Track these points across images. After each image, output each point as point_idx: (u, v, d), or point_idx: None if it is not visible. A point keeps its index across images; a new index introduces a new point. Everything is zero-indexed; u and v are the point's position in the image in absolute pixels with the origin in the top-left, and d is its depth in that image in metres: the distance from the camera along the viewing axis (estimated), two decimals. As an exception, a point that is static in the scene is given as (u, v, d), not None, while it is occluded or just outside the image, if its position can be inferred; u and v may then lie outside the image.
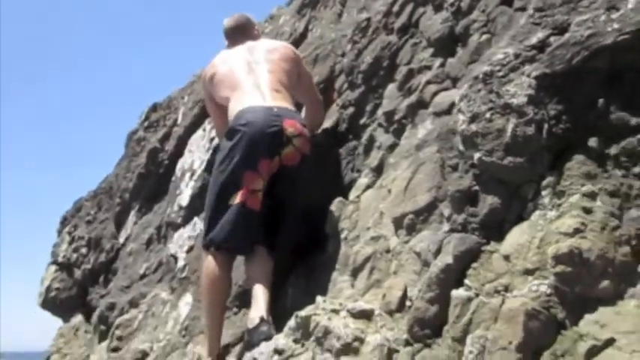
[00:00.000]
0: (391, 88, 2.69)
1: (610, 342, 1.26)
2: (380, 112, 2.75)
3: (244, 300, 2.85)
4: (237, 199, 2.37)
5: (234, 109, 2.58)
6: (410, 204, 1.95)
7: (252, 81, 2.65)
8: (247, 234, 2.41)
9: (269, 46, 2.90)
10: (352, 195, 2.69)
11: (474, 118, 1.65)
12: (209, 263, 2.42)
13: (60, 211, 5.74)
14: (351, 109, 2.93)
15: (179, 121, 4.44)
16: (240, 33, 3.00)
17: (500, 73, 1.63)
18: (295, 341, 1.81)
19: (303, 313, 1.82)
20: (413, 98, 2.47)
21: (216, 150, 3.15)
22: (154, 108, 4.95)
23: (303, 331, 1.79)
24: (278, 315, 2.65)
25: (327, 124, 3.07)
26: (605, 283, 1.34)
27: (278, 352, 1.79)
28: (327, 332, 1.68)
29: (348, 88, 2.98)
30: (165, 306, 3.27)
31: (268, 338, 2.01)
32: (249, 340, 2.23)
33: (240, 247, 2.46)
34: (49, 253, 5.49)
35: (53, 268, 5.30)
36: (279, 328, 2.54)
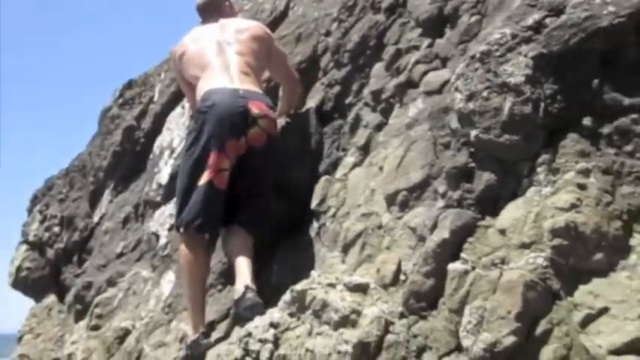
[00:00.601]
0: (378, 67, 2.70)
1: (603, 311, 1.33)
2: (366, 91, 2.76)
3: (229, 277, 2.85)
4: (204, 179, 2.41)
5: (201, 89, 2.62)
6: (403, 181, 1.98)
7: (221, 62, 2.67)
8: (215, 212, 2.45)
9: (240, 25, 2.89)
10: (339, 173, 2.71)
11: (471, 97, 1.69)
12: (184, 244, 2.47)
13: (30, 190, 5.59)
14: (336, 88, 2.93)
15: (156, 98, 4.36)
16: (212, 10, 2.98)
17: (498, 53, 1.67)
18: (291, 315, 1.83)
19: (298, 287, 1.84)
20: (402, 78, 2.49)
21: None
22: (129, 85, 4.83)
23: (299, 304, 1.81)
24: (263, 291, 2.68)
25: (312, 102, 3.07)
26: (599, 255, 1.41)
27: (274, 325, 1.81)
28: (324, 305, 1.71)
29: (334, 67, 2.97)
30: (146, 284, 3.24)
31: (256, 306, 2.07)
32: (236, 311, 2.24)
33: (209, 226, 2.49)
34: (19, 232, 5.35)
35: (24, 247, 5.17)
36: (265, 304, 2.58)
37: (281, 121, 2.89)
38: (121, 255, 3.87)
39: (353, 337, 1.59)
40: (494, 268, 1.50)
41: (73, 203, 4.96)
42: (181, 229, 2.45)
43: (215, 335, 2.72)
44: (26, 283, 5.17)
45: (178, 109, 3.96)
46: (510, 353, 1.40)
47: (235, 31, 2.81)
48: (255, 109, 2.48)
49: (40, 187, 5.40)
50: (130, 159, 4.39)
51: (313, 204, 2.74)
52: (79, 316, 4.01)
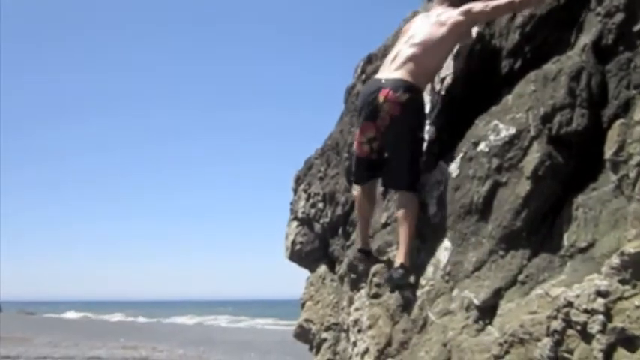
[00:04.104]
0: (678, -24, 2.23)
1: None
2: (661, 10, 2.32)
3: (510, 242, 2.69)
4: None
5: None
6: None
7: (395, 53, 3.33)
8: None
9: (442, 17, 3.27)
10: (637, 115, 2.32)
11: None
12: (415, 200, 3.21)
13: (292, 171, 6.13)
14: (618, 16, 2.52)
15: (398, 67, 4.34)
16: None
17: None
18: (623, 282, 1.59)
19: (630, 249, 1.58)
20: None
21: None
22: (369, 60, 4.91)
23: (634, 270, 1.56)
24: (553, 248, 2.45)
25: (586, 38, 2.69)
26: None
27: (601, 294, 1.59)
28: (675, 270, 1.44)
29: (612, -10, 2.56)
30: (419, 253, 3.25)
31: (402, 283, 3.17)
32: (389, 276, 3.28)
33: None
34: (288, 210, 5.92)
35: (294, 224, 5.71)
36: (559, 267, 2.35)
37: None
38: (386, 225, 3.96)
39: None
40: None
41: (332, 180, 5.29)
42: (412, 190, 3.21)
43: (504, 304, 2.60)
44: (300, 256, 5.72)
45: (426, 74, 3.86)
46: None
47: (435, 25, 3.25)
48: (381, 96, 3.15)
49: (301, 168, 5.88)
50: (380, 132, 4.47)
51: (607, 154, 2.40)
52: (354, 285, 4.25)
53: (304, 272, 5.79)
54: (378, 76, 3.34)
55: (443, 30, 3.20)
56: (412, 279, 3.17)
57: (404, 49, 3.29)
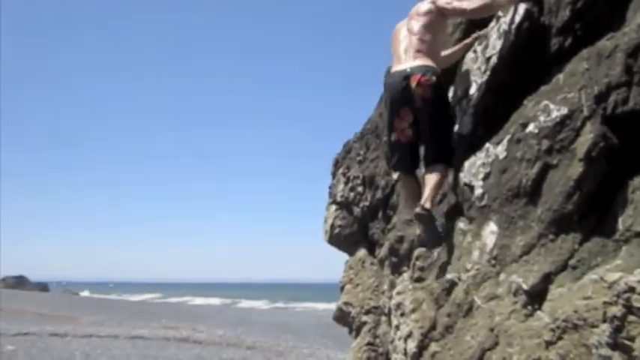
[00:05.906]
0: None
1: None
2: None
3: (560, 226, 2.62)
4: None
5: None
6: None
7: (403, 47, 3.61)
8: None
9: (417, 10, 3.68)
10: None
11: None
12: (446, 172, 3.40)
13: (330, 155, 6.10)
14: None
15: (440, 48, 4.23)
16: None
17: None
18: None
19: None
20: None
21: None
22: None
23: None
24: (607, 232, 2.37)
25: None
26: None
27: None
28: None
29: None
30: (465, 236, 3.20)
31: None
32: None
33: None
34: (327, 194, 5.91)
35: (333, 207, 5.71)
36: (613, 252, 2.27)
37: None
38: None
39: None
40: None
41: (372, 163, 5.25)
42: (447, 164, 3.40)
43: (554, 289, 2.53)
44: (339, 239, 5.73)
45: (470, 55, 3.77)
46: None
47: (415, 17, 3.64)
48: (413, 82, 3.37)
49: (339, 152, 5.86)
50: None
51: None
52: (396, 268, 4.23)
53: (336, 256, 5.81)
54: (400, 67, 3.51)
55: (424, 18, 3.60)
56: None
57: (412, 40, 3.58)
